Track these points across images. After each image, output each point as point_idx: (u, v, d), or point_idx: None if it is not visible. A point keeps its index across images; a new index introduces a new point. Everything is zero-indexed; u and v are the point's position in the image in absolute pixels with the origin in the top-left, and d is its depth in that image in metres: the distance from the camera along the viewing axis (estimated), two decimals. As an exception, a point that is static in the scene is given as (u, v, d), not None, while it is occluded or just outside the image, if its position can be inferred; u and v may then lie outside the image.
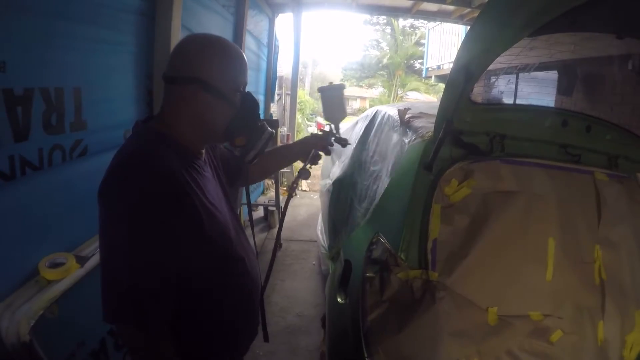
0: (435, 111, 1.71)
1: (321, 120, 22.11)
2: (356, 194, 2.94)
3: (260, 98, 7.16)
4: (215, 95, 1.18)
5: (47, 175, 1.84)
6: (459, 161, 1.67)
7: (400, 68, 24.03)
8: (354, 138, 3.78)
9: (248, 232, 1.68)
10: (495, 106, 1.92)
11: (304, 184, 8.89)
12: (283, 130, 6.74)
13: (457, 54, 1.49)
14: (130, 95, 2.55)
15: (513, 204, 1.64)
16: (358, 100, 44.02)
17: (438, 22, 10.50)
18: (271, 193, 7.25)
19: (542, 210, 1.68)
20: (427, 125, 2.11)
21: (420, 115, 2.43)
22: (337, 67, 40.33)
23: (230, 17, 4.76)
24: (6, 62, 1.56)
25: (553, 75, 4.59)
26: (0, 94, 1.56)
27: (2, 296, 1.61)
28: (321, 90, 1.96)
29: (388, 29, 26.68)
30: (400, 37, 24.32)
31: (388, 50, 26.08)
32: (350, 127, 4.26)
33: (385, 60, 25.42)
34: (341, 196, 3.44)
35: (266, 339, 1.69)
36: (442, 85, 11.86)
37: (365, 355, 1.48)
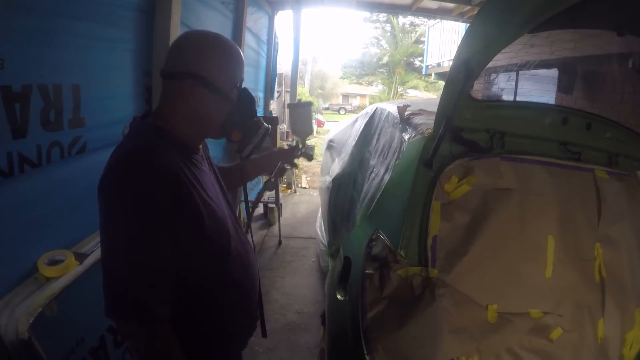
0: (434, 108, 1.70)
1: (321, 117, 22.15)
2: (356, 191, 2.94)
3: (260, 95, 7.15)
4: (212, 90, 1.20)
5: (45, 172, 1.84)
6: (459, 158, 1.66)
7: (400, 66, 24.05)
8: (353, 135, 3.78)
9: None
10: (495, 103, 1.92)
11: (303, 181, 8.89)
12: (283, 127, 6.73)
13: (457, 50, 1.48)
14: (129, 92, 2.54)
15: (513, 201, 1.64)
16: (358, 97, 44.12)
17: (438, 20, 10.48)
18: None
19: (542, 207, 1.68)
20: (426, 122, 2.11)
21: (420, 112, 2.43)
22: (337, 65, 40.35)
23: (229, 14, 4.75)
24: (4, 59, 1.56)
25: (553, 72, 4.59)
26: (-1, 91, 1.56)
27: (1, 293, 1.61)
28: (290, 106, 2.02)
29: (388, 27, 26.70)
30: (400, 35, 24.34)
31: (388, 48, 26.10)
32: (350, 125, 4.26)
33: (385, 58, 25.43)
34: (341, 193, 3.45)
35: (264, 334, 1.72)
36: (441, 83, 11.85)
37: (365, 352, 1.48)
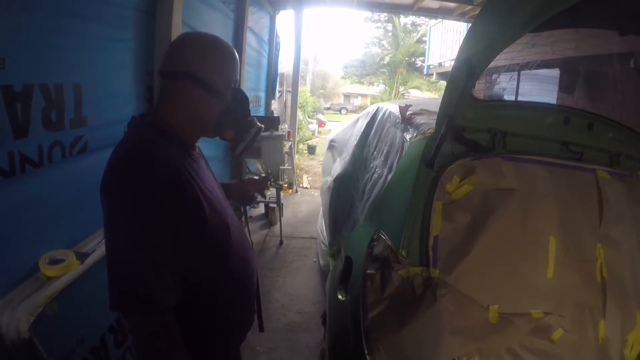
0: (436, 108, 1.70)
1: (322, 117, 22.14)
2: (357, 191, 2.93)
3: (262, 95, 7.16)
4: (208, 90, 1.24)
5: (47, 172, 1.84)
6: (461, 158, 1.66)
7: (402, 65, 23.99)
8: (355, 135, 3.78)
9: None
10: (497, 103, 1.91)
11: (305, 181, 8.90)
12: (284, 127, 6.73)
13: (459, 50, 1.48)
14: (130, 91, 2.55)
15: (514, 201, 1.64)
16: (359, 97, 44.08)
17: (439, 20, 10.48)
18: (272, 190, 7.26)
19: (543, 207, 1.68)
20: (428, 122, 2.11)
21: (422, 111, 2.43)
22: (338, 64, 40.33)
23: (231, 14, 4.76)
24: (5, 59, 1.56)
25: (555, 72, 4.58)
26: (-1, 90, 1.56)
27: (2, 293, 1.61)
28: (262, 138, 2.04)
29: (389, 26, 26.67)
30: (402, 35, 24.29)
31: (389, 48, 26.07)
32: (351, 124, 4.26)
33: (386, 58, 25.39)
34: (342, 193, 3.45)
35: (261, 329, 1.77)
36: (443, 83, 11.87)
37: (366, 352, 1.48)
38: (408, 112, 2.43)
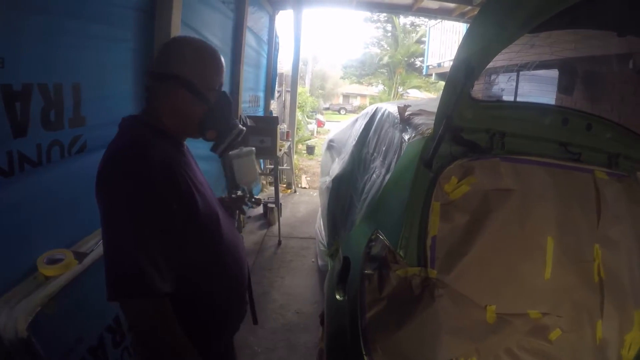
0: (435, 108, 1.70)
1: (321, 117, 22.14)
2: (356, 191, 2.94)
3: (260, 95, 7.16)
4: (192, 92, 1.30)
5: (45, 171, 1.84)
6: (459, 158, 1.66)
7: (401, 66, 24.01)
8: (353, 135, 3.78)
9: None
10: (495, 103, 1.91)
11: (303, 181, 8.90)
12: (283, 127, 6.73)
13: (457, 50, 1.48)
14: (129, 91, 2.54)
15: (512, 201, 1.64)
16: (358, 97, 44.07)
17: (439, 20, 10.48)
18: (270, 190, 7.26)
19: (541, 208, 1.68)
20: (426, 122, 2.11)
21: (420, 112, 2.43)
22: (338, 65, 40.28)
23: (230, 13, 4.76)
24: (4, 58, 1.57)
25: (554, 73, 4.59)
26: (-1, 89, 1.56)
27: (0, 292, 1.61)
28: (231, 156, 2.05)
29: (389, 27, 26.67)
30: (401, 35, 24.30)
31: (388, 48, 26.08)
32: (350, 125, 4.26)
33: (385, 58, 25.40)
34: (340, 193, 3.45)
35: (255, 321, 1.87)
36: (442, 83, 11.85)
37: (364, 352, 1.48)
38: (406, 113, 2.43)
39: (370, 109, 3.74)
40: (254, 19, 5.96)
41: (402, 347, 1.46)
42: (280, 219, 5.53)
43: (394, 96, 22.80)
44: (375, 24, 27.98)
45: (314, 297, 3.97)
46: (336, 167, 3.87)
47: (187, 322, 1.27)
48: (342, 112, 38.39)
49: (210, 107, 1.36)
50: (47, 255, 1.79)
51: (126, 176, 1.13)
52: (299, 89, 11.16)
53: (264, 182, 7.58)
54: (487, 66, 1.52)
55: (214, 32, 4.19)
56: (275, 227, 5.50)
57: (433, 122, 1.72)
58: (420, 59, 22.26)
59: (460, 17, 7.50)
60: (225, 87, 4.51)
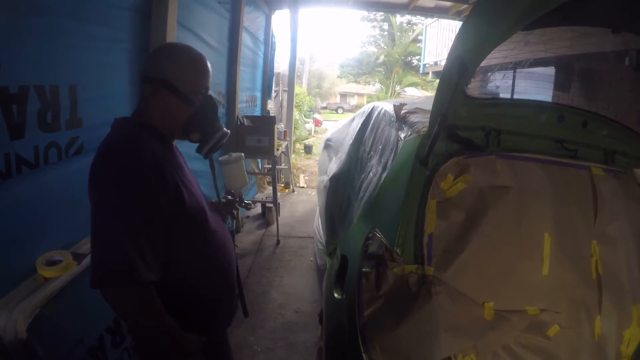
0: (430, 106, 1.71)
1: (318, 117, 22.13)
2: (353, 190, 2.94)
3: (257, 95, 7.15)
4: (177, 95, 1.38)
5: (43, 173, 1.84)
6: (455, 156, 1.67)
7: (398, 64, 24.02)
8: (350, 134, 3.79)
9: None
10: (490, 101, 1.91)
11: (301, 180, 8.90)
12: (280, 126, 6.73)
13: (451, 48, 1.48)
14: (126, 92, 2.54)
15: (509, 198, 1.65)
16: (355, 96, 44.04)
17: (435, 19, 10.49)
18: (268, 189, 7.26)
19: (538, 205, 1.69)
20: (422, 120, 2.12)
21: (416, 110, 2.44)
22: (335, 64, 40.24)
23: (226, 13, 4.75)
24: (0, 60, 1.56)
25: (550, 70, 4.60)
26: (-5, 92, 1.56)
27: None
28: (221, 162, 2.11)
29: (385, 25, 26.67)
30: (398, 34, 24.31)
31: (385, 47, 26.08)
32: (347, 123, 4.26)
33: (382, 57, 25.40)
34: (338, 192, 3.45)
35: (246, 314, 1.91)
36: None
37: (362, 350, 1.49)
38: (402, 111, 2.44)
39: (366, 108, 3.75)
40: (250, 18, 5.95)
41: (400, 345, 1.47)
42: (279, 218, 5.53)
43: (391, 95, 22.81)
44: (372, 23, 28.00)
45: (313, 296, 3.98)
46: (334, 166, 3.87)
47: (177, 313, 1.32)
48: (340, 111, 38.39)
49: (196, 110, 1.43)
50: (46, 257, 1.79)
51: (117, 170, 1.20)
52: (296, 89, 11.15)
53: (262, 181, 7.58)
54: (483, 64, 1.52)
55: (210, 32, 4.18)
56: (274, 227, 5.50)
57: (429, 120, 1.72)
58: (417, 57, 22.28)
59: (457, 15, 7.51)
60: (222, 87, 4.51)
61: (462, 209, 1.62)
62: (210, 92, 1.52)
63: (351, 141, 3.60)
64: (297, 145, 13.24)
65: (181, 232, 1.36)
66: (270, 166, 5.91)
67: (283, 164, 7.91)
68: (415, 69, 23.29)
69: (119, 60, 2.48)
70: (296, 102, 11.72)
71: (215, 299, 1.55)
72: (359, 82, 35.08)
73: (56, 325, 1.69)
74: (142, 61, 2.67)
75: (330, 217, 3.53)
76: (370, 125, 3.26)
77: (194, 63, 1.44)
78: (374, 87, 32.69)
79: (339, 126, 4.66)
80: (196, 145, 1.55)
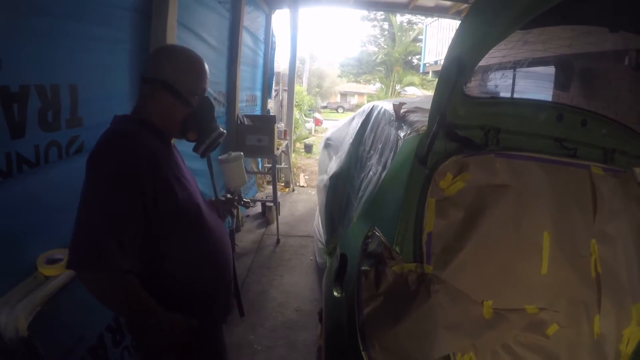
0: (430, 105, 1.71)
1: (319, 116, 22.12)
2: (353, 189, 2.94)
3: (257, 94, 7.16)
4: (175, 95, 1.44)
5: (43, 171, 1.85)
6: (454, 155, 1.67)
7: (398, 64, 24.00)
8: (350, 133, 3.79)
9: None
10: (489, 100, 1.91)
11: (301, 180, 8.90)
12: (280, 126, 6.73)
13: (449, 48, 1.48)
14: (126, 92, 2.55)
15: (508, 197, 1.65)
16: (356, 96, 44.01)
17: (435, 18, 10.49)
18: (269, 189, 7.26)
19: (537, 204, 1.69)
20: (422, 120, 2.12)
21: (416, 109, 2.44)
22: (335, 63, 40.23)
23: (226, 13, 4.76)
24: (1, 60, 1.57)
25: (549, 69, 4.59)
26: (-4, 91, 1.57)
27: (0, 292, 1.62)
28: (220, 161, 2.14)
29: (386, 25, 26.65)
30: (398, 33, 24.29)
31: (386, 47, 26.07)
32: (347, 123, 4.27)
33: (382, 56, 25.40)
34: (338, 191, 3.46)
35: (242, 314, 1.96)
36: (439, 81, 11.83)
37: (361, 348, 1.49)
38: (402, 110, 2.44)
39: (366, 107, 3.75)
40: (251, 18, 5.96)
41: (399, 343, 1.47)
42: (279, 217, 5.53)
43: (391, 94, 22.80)
44: (372, 22, 27.96)
45: (313, 295, 3.98)
46: (334, 165, 3.87)
47: (172, 307, 1.35)
48: (340, 110, 38.39)
49: (192, 110, 1.49)
50: (47, 255, 1.80)
51: (112, 160, 1.26)
52: (296, 88, 11.15)
53: (262, 181, 7.58)
54: (482, 63, 1.52)
55: (210, 32, 4.19)
56: (274, 226, 5.50)
57: (428, 119, 1.73)
58: (418, 56, 22.27)
59: (457, 14, 7.51)
60: (222, 87, 4.52)
61: (461, 207, 1.62)
62: (210, 92, 1.54)
63: (351, 140, 3.60)
64: (298, 145, 13.24)
65: (173, 226, 1.39)
66: (270, 165, 5.92)
67: (283, 163, 7.91)
68: (416, 68, 23.28)
69: (119, 60, 2.49)
70: (296, 102, 11.72)
71: (210, 294, 1.58)
72: (359, 82, 35.10)
73: (57, 323, 1.70)
74: (142, 61, 2.68)
75: (330, 216, 3.53)
76: (370, 125, 3.27)
77: (193, 65, 1.49)
78: (374, 87, 32.69)
79: (339, 125, 4.66)
80: (193, 144, 1.59)
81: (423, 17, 14.60)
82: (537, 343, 1.55)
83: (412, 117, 2.25)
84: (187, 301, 1.48)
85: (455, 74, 1.47)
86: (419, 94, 21.65)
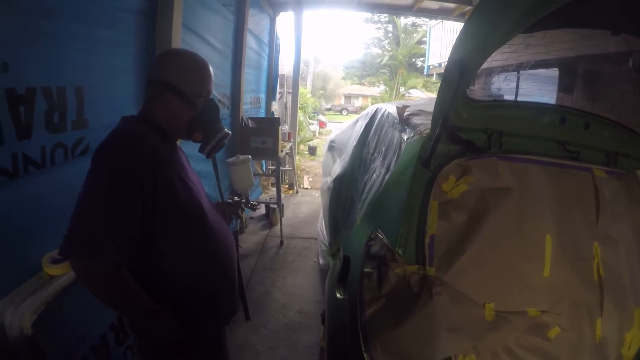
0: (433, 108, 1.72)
1: (323, 118, 22.11)
2: (357, 191, 2.94)
3: (262, 96, 7.17)
4: (180, 97, 1.47)
5: (49, 172, 1.87)
6: (457, 158, 1.67)
7: (402, 66, 23.96)
8: (354, 136, 3.79)
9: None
10: (492, 103, 1.91)
11: (305, 182, 8.90)
12: (284, 128, 6.74)
13: (452, 51, 1.48)
14: (131, 93, 2.56)
15: (510, 200, 1.64)
16: (360, 98, 43.94)
17: (439, 20, 10.48)
18: (273, 191, 7.26)
19: (539, 206, 1.68)
20: (425, 122, 2.12)
21: (419, 112, 2.44)
22: (339, 65, 40.24)
23: (231, 16, 4.77)
24: (8, 63, 1.59)
25: (552, 72, 4.58)
26: (3, 93, 1.59)
27: (6, 291, 1.63)
28: (228, 164, 2.17)
29: (390, 27, 26.65)
30: (402, 35, 24.26)
31: (390, 49, 26.05)
32: (351, 125, 4.27)
33: (387, 59, 25.38)
34: (342, 193, 3.46)
35: (247, 316, 2.00)
36: (443, 84, 11.81)
37: (363, 349, 1.49)
38: (405, 113, 2.44)
39: (370, 110, 3.75)
40: (255, 21, 5.97)
41: (401, 345, 1.47)
42: (283, 219, 5.54)
43: (395, 96, 22.77)
44: (376, 25, 27.95)
45: (316, 297, 3.98)
46: (337, 168, 3.87)
47: (176, 307, 1.39)
48: (344, 112, 38.29)
49: (198, 112, 1.52)
50: (52, 255, 1.82)
51: (115, 157, 1.28)
52: (301, 90, 11.14)
53: (266, 183, 7.59)
54: (484, 66, 1.53)
55: (215, 34, 4.20)
56: (278, 228, 5.51)
57: (431, 122, 1.73)
58: (422, 59, 22.21)
59: (461, 17, 7.49)
60: (227, 89, 4.54)
61: (464, 210, 1.62)
62: (214, 94, 1.56)
63: (355, 143, 3.60)
64: (302, 147, 13.24)
65: (174, 226, 1.42)
66: (274, 167, 5.92)
67: (287, 166, 7.91)
68: (420, 70, 23.20)
69: (125, 62, 2.51)
70: (300, 104, 11.72)
71: (214, 294, 1.58)
72: (363, 84, 35.05)
73: (61, 322, 1.72)
74: (147, 63, 2.70)
75: (334, 218, 3.53)
76: (374, 127, 3.27)
77: (198, 68, 1.52)
78: (378, 89, 32.60)
79: (343, 128, 4.67)
80: (199, 145, 1.61)
81: (427, 20, 14.57)
82: (539, 346, 1.54)
83: (415, 120, 2.25)
84: (190, 301, 1.49)
85: (458, 77, 1.47)
86: (423, 96, 21.62)
